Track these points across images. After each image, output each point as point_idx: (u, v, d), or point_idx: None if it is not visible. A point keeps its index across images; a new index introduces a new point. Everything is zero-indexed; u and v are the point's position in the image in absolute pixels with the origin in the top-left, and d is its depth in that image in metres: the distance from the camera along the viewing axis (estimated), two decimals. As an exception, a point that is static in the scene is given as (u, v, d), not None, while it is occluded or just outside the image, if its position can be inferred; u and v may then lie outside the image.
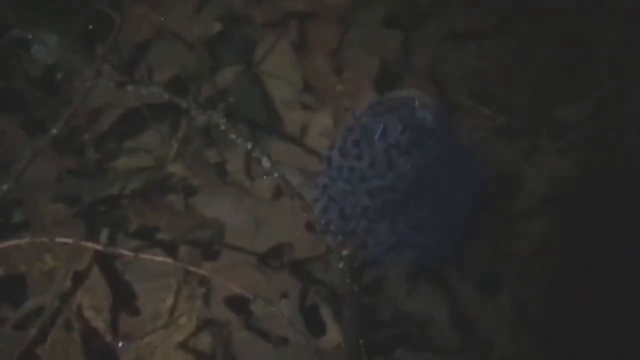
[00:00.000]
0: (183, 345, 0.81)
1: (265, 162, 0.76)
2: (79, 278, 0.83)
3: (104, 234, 0.87)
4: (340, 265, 0.69)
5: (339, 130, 0.69)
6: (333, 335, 0.80)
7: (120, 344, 0.82)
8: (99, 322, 0.82)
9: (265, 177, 0.92)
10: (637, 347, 0.80)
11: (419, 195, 0.61)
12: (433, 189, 0.61)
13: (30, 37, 1.09)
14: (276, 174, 0.75)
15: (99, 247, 0.82)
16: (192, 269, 0.82)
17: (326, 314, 0.81)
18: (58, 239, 0.81)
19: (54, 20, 1.12)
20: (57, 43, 1.11)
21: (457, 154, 0.64)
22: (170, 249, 0.88)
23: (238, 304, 0.83)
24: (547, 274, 0.87)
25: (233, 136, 0.80)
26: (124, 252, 0.81)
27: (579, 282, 0.85)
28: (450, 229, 0.64)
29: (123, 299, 0.86)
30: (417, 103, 0.64)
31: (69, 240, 0.81)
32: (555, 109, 1.00)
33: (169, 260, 0.82)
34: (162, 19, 1.11)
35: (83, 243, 0.82)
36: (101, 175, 0.97)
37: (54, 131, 0.87)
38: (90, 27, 1.12)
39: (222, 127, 0.80)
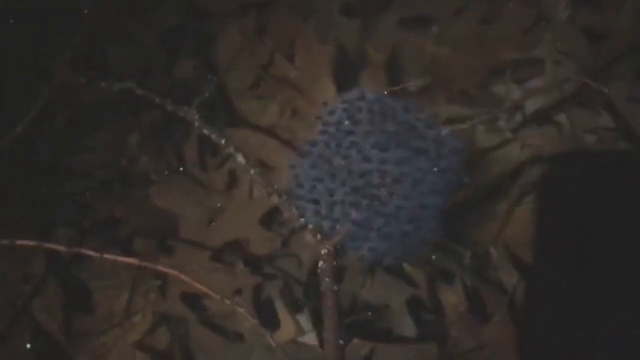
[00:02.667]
0: (139, 344, 0.78)
1: (240, 159, 0.73)
2: (31, 280, 0.79)
3: (61, 233, 0.83)
4: (320, 264, 0.65)
5: (313, 128, 0.67)
6: (288, 329, 0.76)
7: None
8: (51, 324, 0.78)
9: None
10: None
11: (393, 187, 0.60)
12: (406, 180, 0.60)
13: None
14: (252, 172, 0.73)
15: (62, 248, 0.77)
16: (148, 265, 0.77)
17: (281, 308, 0.77)
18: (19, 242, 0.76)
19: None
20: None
21: (428, 143, 0.62)
22: (126, 243, 0.84)
23: (193, 299, 0.80)
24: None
25: (206, 132, 0.77)
26: (89, 252, 0.76)
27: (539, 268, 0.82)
28: (423, 216, 0.62)
29: (76, 298, 0.82)
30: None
31: (31, 243, 0.76)
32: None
33: (133, 260, 0.77)
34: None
35: (46, 245, 0.77)
36: (57, 174, 0.92)
37: (19, 129, 0.83)
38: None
39: (197, 124, 0.80)
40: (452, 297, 0.79)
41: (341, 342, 0.67)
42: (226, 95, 0.97)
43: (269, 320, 0.78)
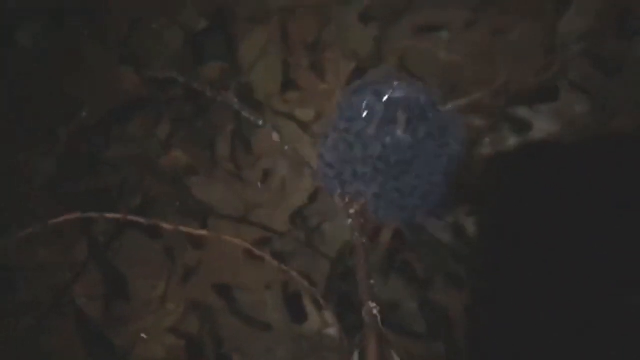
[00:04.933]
0: (173, 329, 0.81)
1: (275, 137, 0.82)
2: (73, 268, 0.82)
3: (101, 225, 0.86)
4: (349, 221, 0.71)
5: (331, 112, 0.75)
6: (314, 322, 0.80)
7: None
8: (92, 309, 0.81)
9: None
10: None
11: (404, 162, 0.68)
12: (416, 157, 0.68)
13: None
14: (286, 147, 0.82)
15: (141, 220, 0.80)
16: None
17: (308, 302, 0.81)
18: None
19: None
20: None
21: (435, 125, 0.69)
22: (160, 236, 0.88)
23: (224, 290, 0.83)
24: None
25: (246, 114, 0.84)
26: (165, 225, 0.81)
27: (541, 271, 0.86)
28: (431, 192, 0.70)
29: (115, 286, 0.85)
30: (394, 81, 0.70)
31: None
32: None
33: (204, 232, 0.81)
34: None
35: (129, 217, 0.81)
36: (94, 166, 0.95)
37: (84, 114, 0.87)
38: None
39: (235, 106, 0.86)
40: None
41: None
42: (254, 98, 1.00)
43: (297, 314, 0.82)
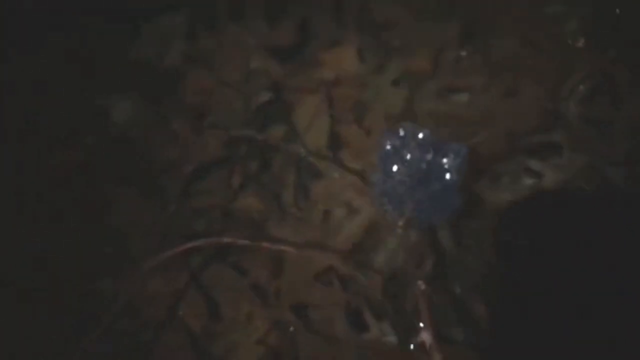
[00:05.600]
0: (260, 341, 1.01)
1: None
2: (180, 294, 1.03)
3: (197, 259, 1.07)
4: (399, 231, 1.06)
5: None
6: (374, 332, 1.00)
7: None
8: (196, 326, 1.02)
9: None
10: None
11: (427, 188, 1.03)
12: (435, 183, 1.04)
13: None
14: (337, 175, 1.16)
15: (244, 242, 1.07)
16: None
17: (368, 315, 1.02)
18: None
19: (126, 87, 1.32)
20: (131, 106, 1.31)
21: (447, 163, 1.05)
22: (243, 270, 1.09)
23: (300, 310, 1.04)
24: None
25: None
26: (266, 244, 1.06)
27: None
28: (444, 207, 1.05)
29: (209, 307, 1.06)
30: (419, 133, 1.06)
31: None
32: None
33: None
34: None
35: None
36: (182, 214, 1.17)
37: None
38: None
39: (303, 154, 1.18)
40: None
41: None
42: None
43: (359, 325, 1.02)
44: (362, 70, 1.31)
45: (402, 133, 1.06)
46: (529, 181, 1.18)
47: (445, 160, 1.03)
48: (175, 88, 1.32)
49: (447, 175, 1.03)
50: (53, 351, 0.99)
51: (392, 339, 1.00)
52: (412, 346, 0.98)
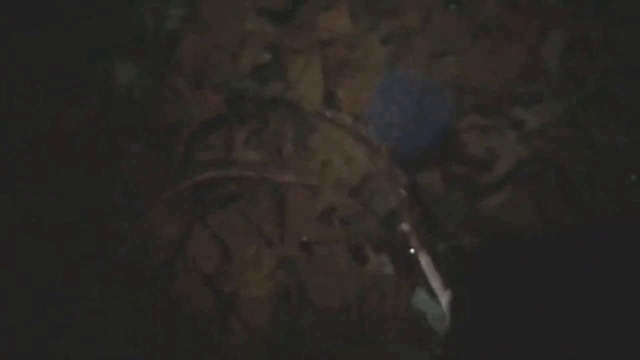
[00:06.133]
0: (269, 278, 1.09)
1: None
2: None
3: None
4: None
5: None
6: (373, 264, 1.09)
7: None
8: (209, 268, 1.10)
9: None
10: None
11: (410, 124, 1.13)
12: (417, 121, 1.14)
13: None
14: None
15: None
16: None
17: (368, 249, 1.10)
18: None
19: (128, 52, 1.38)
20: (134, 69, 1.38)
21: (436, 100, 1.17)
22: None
23: (305, 247, 1.12)
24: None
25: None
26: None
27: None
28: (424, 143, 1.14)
29: (220, 250, 1.13)
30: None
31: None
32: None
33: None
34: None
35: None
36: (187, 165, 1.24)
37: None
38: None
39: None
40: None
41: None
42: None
43: (360, 258, 1.10)
44: (354, 31, 1.38)
45: (392, 76, 1.19)
46: (512, 134, 1.27)
47: (429, 101, 1.14)
48: (175, 51, 1.38)
49: (430, 115, 1.14)
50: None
51: (389, 269, 1.09)
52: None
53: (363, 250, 1.11)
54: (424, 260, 1.02)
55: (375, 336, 1.07)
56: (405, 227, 1.09)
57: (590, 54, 1.31)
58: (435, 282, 1.02)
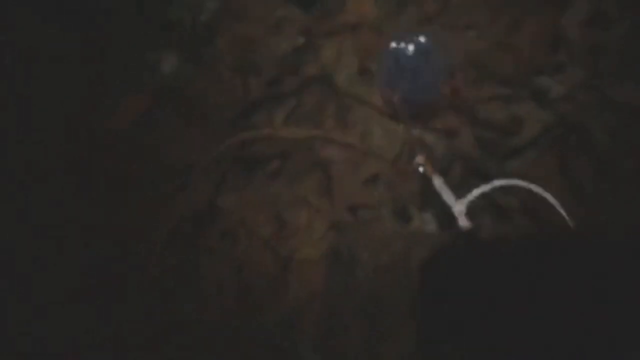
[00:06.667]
0: (321, 239, 1.20)
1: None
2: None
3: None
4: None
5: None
6: (416, 222, 1.19)
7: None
8: (266, 233, 1.21)
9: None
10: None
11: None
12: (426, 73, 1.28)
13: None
14: None
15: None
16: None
17: (412, 209, 1.20)
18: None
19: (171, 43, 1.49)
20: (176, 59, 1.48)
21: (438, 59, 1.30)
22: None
23: (353, 212, 1.22)
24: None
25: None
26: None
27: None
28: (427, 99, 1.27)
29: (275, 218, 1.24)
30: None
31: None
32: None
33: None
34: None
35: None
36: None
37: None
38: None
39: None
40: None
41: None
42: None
43: (404, 217, 1.21)
44: (379, 15, 1.48)
45: (404, 38, 1.32)
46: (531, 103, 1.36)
47: (434, 61, 1.29)
48: (213, 41, 1.48)
49: (433, 75, 1.29)
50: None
51: (431, 226, 1.19)
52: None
53: (407, 210, 1.21)
54: (437, 182, 1.13)
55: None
56: (419, 159, 1.22)
57: (607, 25, 1.41)
58: (449, 197, 1.14)
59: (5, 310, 1.19)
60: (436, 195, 1.19)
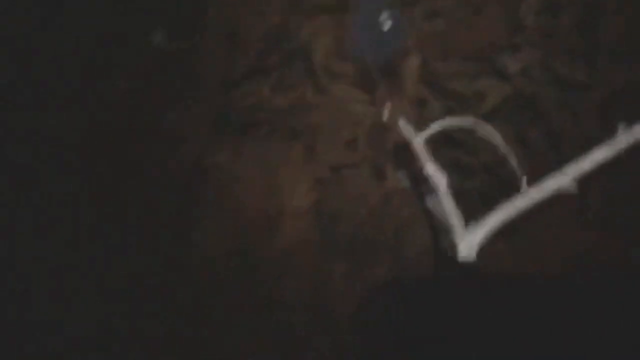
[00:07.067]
0: (307, 194, 1.35)
1: None
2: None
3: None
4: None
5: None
6: (391, 180, 1.36)
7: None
8: (257, 187, 1.36)
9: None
10: None
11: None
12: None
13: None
14: None
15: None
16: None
17: (387, 169, 1.37)
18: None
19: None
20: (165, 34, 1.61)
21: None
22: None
23: (335, 171, 1.39)
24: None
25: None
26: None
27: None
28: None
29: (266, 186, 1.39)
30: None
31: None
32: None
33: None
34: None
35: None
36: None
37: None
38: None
39: None
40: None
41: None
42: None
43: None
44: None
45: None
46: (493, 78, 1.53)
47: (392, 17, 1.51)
48: (206, 12, 1.60)
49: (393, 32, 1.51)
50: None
51: (404, 183, 1.36)
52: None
53: (383, 169, 1.37)
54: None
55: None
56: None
57: (558, 12, 1.58)
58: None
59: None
60: (409, 156, 1.36)
